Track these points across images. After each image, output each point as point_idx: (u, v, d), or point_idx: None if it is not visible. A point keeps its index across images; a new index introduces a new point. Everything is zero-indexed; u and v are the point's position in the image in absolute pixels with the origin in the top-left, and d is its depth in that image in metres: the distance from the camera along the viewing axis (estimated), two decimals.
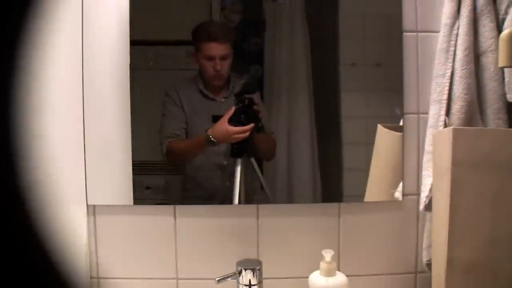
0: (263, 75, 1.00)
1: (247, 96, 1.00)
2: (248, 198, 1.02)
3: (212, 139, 1.00)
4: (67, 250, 0.96)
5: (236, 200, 1.01)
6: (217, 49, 1.00)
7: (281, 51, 1.01)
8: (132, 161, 1.00)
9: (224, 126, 1.00)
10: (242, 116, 1.00)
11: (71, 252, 0.98)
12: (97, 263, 1.03)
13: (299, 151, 1.03)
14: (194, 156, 1.03)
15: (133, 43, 0.99)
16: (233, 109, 1.00)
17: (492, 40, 0.92)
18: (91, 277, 1.03)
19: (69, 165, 0.99)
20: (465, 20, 0.92)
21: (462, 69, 0.92)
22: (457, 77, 0.93)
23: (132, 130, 0.99)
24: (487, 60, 0.93)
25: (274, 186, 1.03)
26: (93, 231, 1.03)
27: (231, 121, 1.00)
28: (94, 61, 0.99)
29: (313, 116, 1.02)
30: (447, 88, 0.93)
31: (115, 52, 0.99)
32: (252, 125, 1.00)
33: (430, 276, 0.92)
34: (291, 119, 1.02)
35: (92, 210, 1.02)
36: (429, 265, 0.97)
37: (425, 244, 0.99)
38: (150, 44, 1.01)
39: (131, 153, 1.00)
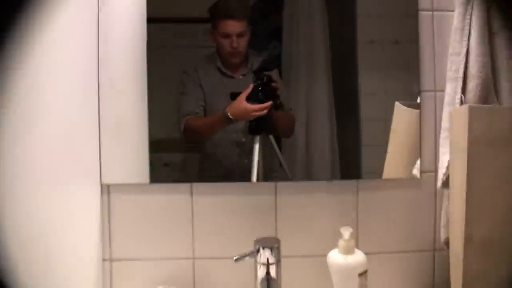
0: (281, 52, 1.00)
1: (266, 73, 1.00)
2: (266, 175, 1.01)
3: (230, 117, 0.99)
4: (80, 231, 0.94)
5: (254, 178, 1.00)
6: (233, 26, 1.00)
7: (299, 28, 1.01)
8: (149, 138, 0.98)
9: (242, 104, 0.99)
10: (260, 94, 1.00)
11: (84, 232, 0.96)
12: (110, 244, 1.01)
13: (317, 128, 1.03)
14: (212, 134, 1.03)
15: (150, 20, 0.98)
16: (251, 86, 1.00)
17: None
18: (103, 259, 1.01)
19: (83, 142, 0.98)
20: None
21: (477, 48, 0.93)
22: (472, 56, 0.93)
23: (149, 107, 0.98)
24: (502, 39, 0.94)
25: (292, 163, 1.03)
26: (107, 210, 1.01)
27: (249, 99, 0.99)
28: (110, 38, 0.98)
29: (331, 93, 1.02)
30: (462, 66, 0.94)
31: (131, 30, 0.99)
32: (270, 103, 0.99)
33: (448, 254, 0.92)
34: (309, 96, 1.02)
35: (106, 189, 1.00)
36: (447, 242, 0.97)
37: (443, 221, 0.99)
38: (167, 21, 1.01)
39: (147, 130, 0.99)
